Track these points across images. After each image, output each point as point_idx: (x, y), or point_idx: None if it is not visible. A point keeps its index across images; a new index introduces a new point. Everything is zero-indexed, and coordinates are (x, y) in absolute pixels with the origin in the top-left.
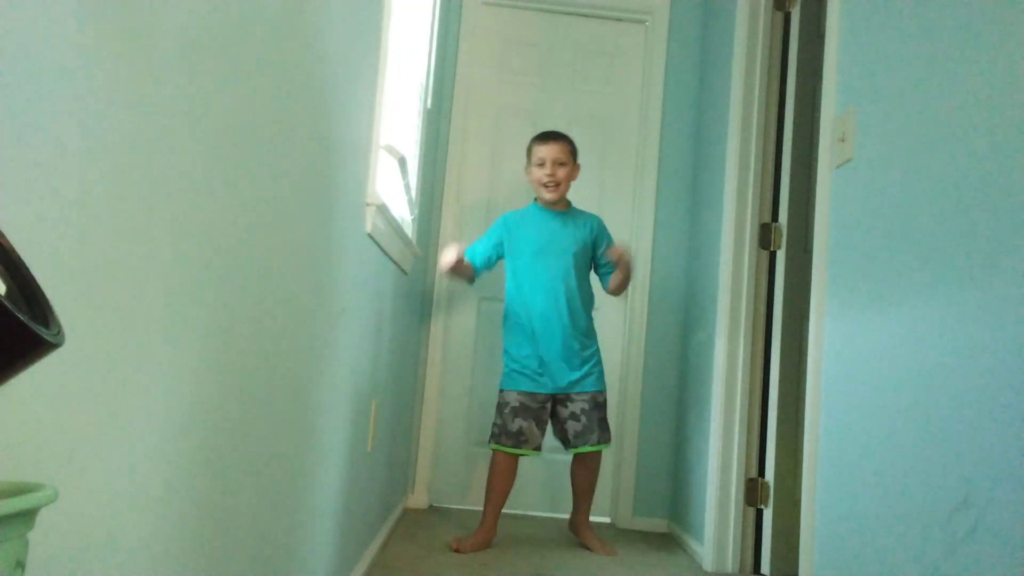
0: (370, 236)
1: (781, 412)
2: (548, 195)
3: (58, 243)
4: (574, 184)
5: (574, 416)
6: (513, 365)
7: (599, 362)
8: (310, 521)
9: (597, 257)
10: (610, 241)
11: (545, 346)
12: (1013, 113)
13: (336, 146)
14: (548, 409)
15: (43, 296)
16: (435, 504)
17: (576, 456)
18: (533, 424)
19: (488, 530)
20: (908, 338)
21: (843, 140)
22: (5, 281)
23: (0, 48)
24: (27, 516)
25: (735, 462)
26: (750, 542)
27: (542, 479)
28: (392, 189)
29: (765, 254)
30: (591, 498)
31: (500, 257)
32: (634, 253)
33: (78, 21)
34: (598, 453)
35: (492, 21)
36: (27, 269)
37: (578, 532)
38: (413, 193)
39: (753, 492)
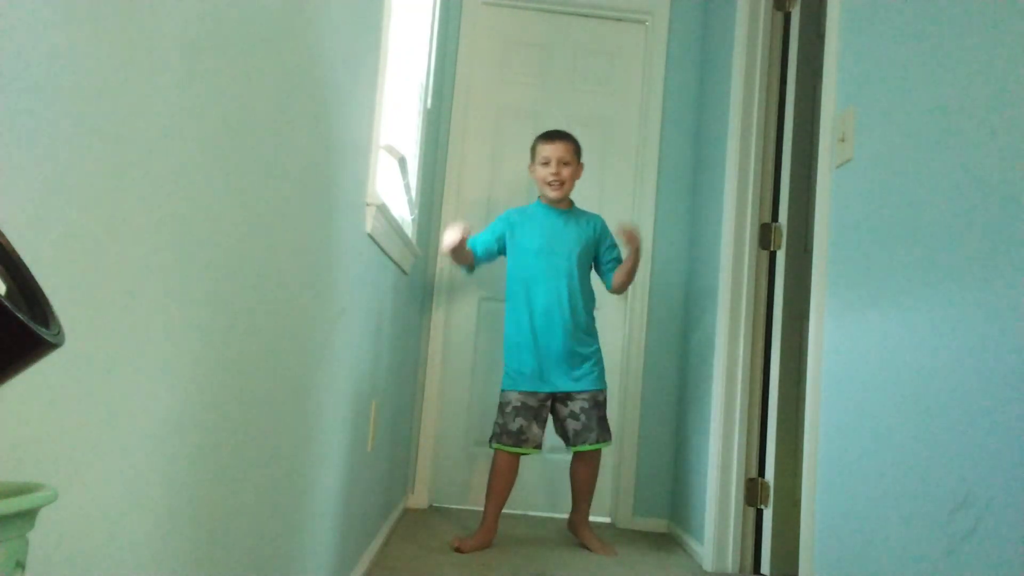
0: (370, 236)
1: (781, 412)
2: (552, 193)
3: (58, 243)
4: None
5: (574, 415)
6: (514, 364)
7: (600, 361)
8: (310, 521)
9: (600, 254)
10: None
11: (546, 344)
12: (1013, 113)
13: (336, 146)
14: (548, 407)
15: (43, 296)
16: (435, 504)
17: (575, 454)
18: (534, 423)
19: (489, 529)
20: (908, 338)
21: (843, 140)
22: (5, 281)
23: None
24: (27, 516)
25: (735, 462)
26: (750, 542)
27: (542, 479)
28: (392, 189)
29: (765, 254)
30: (590, 497)
31: (501, 252)
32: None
33: (78, 21)
34: (597, 452)
35: (492, 21)
36: (27, 269)
37: (577, 532)
38: (413, 193)
39: (753, 492)
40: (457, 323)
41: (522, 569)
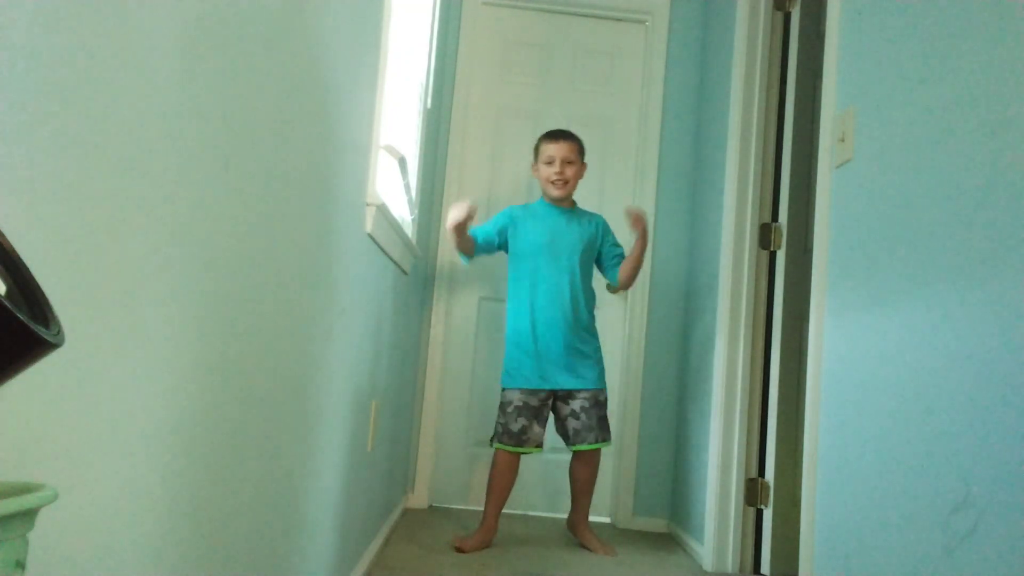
0: (370, 236)
1: (781, 412)
2: (556, 192)
3: (58, 243)
4: None
5: (574, 414)
6: (514, 361)
7: (600, 360)
8: (310, 521)
9: (603, 252)
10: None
11: (547, 341)
12: (1013, 112)
13: (336, 146)
14: (549, 406)
15: (43, 296)
16: (435, 504)
17: (575, 454)
18: (535, 422)
19: (489, 529)
20: (908, 338)
21: (843, 140)
22: (5, 281)
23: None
24: (27, 516)
25: (735, 462)
26: (750, 542)
27: (542, 479)
28: (392, 189)
29: (765, 254)
30: (590, 497)
31: (500, 246)
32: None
33: (78, 20)
34: (597, 452)
35: (492, 21)
36: (27, 269)
37: (576, 531)
38: (413, 193)
39: (753, 492)
40: (457, 323)
41: (522, 569)
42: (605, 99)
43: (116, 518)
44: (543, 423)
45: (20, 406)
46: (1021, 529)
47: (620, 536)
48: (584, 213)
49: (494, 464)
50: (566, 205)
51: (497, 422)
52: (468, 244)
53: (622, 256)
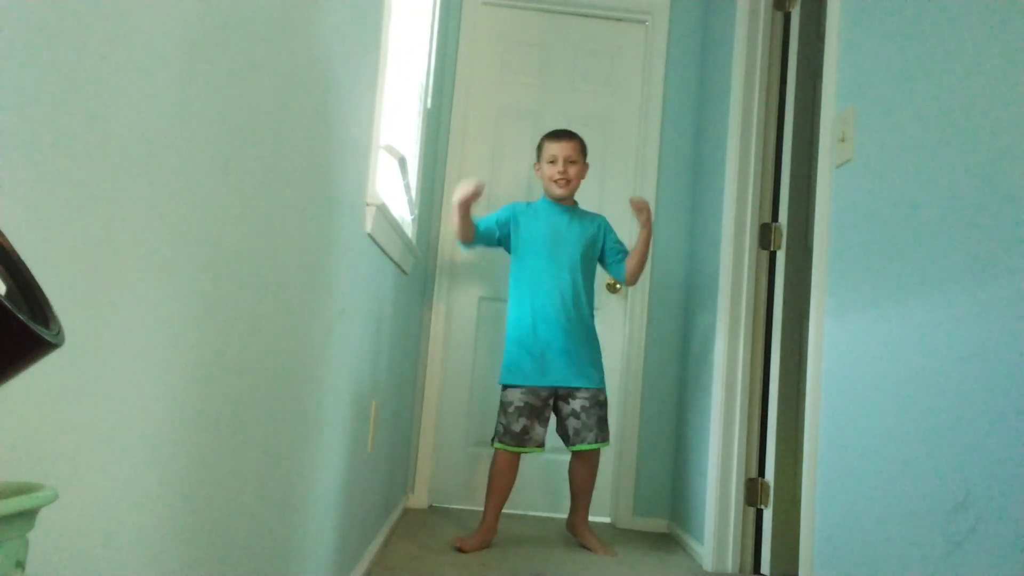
0: (370, 236)
1: (781, 412)
2: (559, 191)
3: (58, 243)
4: None
5: (574, 413)
6: (514, 358)
7: (600, 359)
8: (310, 521)
9: (606, 250)
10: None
11: (547, 339)
12: (1013, 112)
13: (336, 146)
14: (550, 405)
15: (43, 296)
16: (435, 504)
17: (574, 454)
18: (537, 423)
19: (489, 529)
20: (908, 338)
21: (843, 140)
22: (5, 281)
23: None
24: (27, 516)
25: (735, 462)
26: (750, 542)
27: (542, 479)
28: (392, 189)
29: (765, 254)
30: (589, 497)
31: (500, 239)
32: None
33: (78, 20)
34: (596, 452)
35: (492, 21)
36: (27, 269)
37: (576, 532)
38: (413, 193)
39: (753, 492)
40: (457, 323)
41: (522, 569)
42: (605, 99)
43: (116, 518)
44: (545, 423)
45: (20, 406)
46: (1021, 529)
47: (620, 536)
48: (586, 213)
49: (494, 464)
50: (568, 204)
51: (498, 422)
52: (469, 229)
53: (626, 252)
